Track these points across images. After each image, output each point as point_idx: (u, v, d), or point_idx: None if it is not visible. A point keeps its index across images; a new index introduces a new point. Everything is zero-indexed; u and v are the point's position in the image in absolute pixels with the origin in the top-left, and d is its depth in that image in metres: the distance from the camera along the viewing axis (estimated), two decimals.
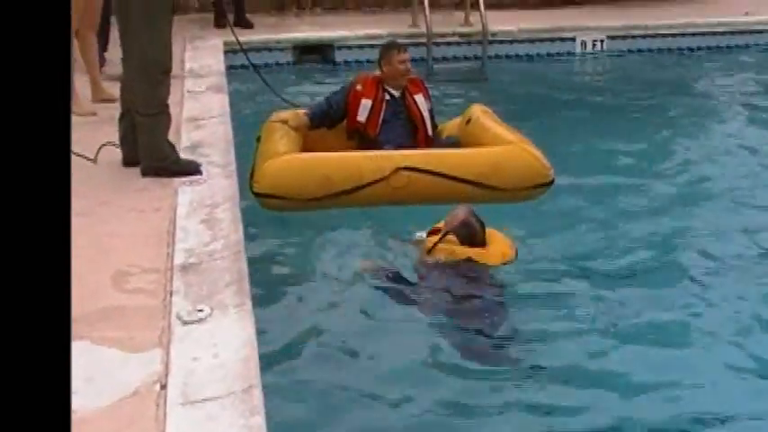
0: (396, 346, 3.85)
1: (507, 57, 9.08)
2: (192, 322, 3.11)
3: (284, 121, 5.48)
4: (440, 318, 4.02)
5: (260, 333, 3.14)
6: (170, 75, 4.61)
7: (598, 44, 9.27)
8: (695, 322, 3.98)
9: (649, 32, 9.39)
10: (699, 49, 9.39)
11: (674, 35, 9.41)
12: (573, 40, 9.23)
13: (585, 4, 10.48)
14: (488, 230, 4.45)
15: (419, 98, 5.58)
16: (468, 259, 4.25)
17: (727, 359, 3.69)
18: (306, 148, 5.32)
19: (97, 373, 2.84)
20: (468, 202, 4.59)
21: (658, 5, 10.45)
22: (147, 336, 3.06)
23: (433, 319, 4.01)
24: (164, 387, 2.74)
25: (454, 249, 4.28)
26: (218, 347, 2.95)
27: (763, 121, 7.33)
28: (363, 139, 5.48)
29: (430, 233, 4.44)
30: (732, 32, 9.52)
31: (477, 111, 5.65)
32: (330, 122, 5.59)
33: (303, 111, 5.66)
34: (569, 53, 9.23)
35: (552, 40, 9.22)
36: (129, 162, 4.69)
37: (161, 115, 4.57)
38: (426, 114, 5.57)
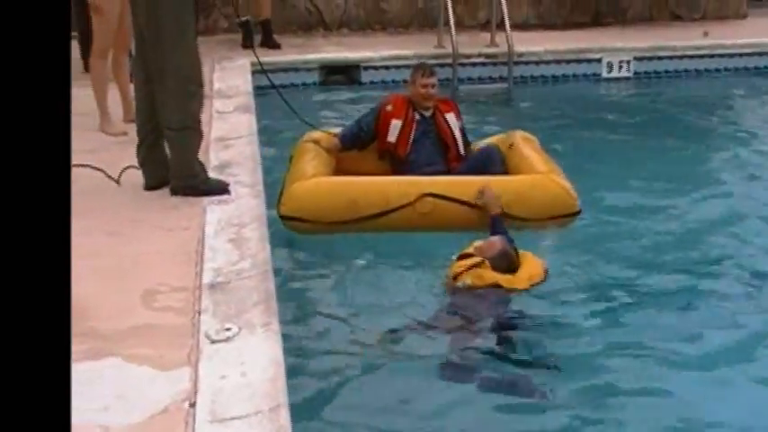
0: (421, 369, 3.84)
1: (533, 78, 9.06)
2: (220, 341, 3.13)
3: (316, 142, 5.52)
4: (464, 343, 4.00)
5: (286, 352, 3.13)
6: (203, 88, 4.66)
7: (624, 65, 9.23)
8: (726, 349, 3.94)
9: (677, 54, 9.34)
10: (726, 70, 9.33)
11: (701, 56, 9.35)
12: (599, 61, 9.20)
13: (612, 25, 10.47)
14: (520, 252, 4.47)
15: (450, 117, 5.58)
16: (496, 284, 4.25)
17: None
18: (337, 169, 5.37)
19: (128, 390, 2.87)
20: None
21: (686, 26, 10.44)
22: (176, 354, 3.08)
23: (458, 344, 3.99)
24: (192, 405, 2.76)
25: (482, 274, 4.28)
26: (245, 366, 2.96)
27: None
28: (394, 159, 5.50)
29: (459, 258, 4.44)
30: (760, 54, 9.44)
31: (519, 138, 5.63)
32: (361, 144, 5.61)
33: (334, 132, 5.69)
34: (595, 74, 9.19)
35: (578, 61, 9.19)
36: (150, 187, 4.72)
37: (193, 131, 4.59)
38: (457, 133, 5.57)
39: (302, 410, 3.22)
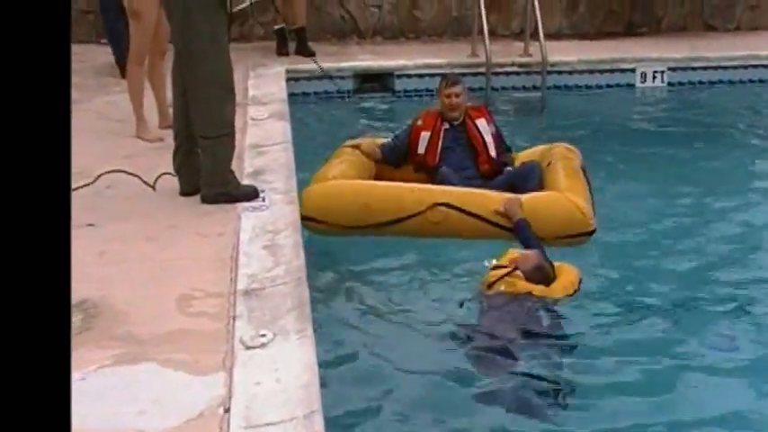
0: (456, 377, 3.83)
1: (566, 87, 9.02)
2: (255, 347, 3.14)
3: (356, 146, 5.65)
4: (494, 354, 3.99)
5: (320, 359, 3.15)
6: (234, 94, 4.69)
7: (659, 76, 9.17)
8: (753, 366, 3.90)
9: (711, 64, 9.27)
10: (762, 81, 9.24)
11: (736, 67, 9.28)
12: (633, 71, 9.15)
13: (646, 35, 10.42)
14: (556, 264, 4.46)
15: (481, 122, 5.63)
16: (529, 293, 4.23)
17: None
18: (377, 178, 5.45)
19: (163, 395, 2.88)
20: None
21: (721, 37, 10.36)
22: (211, 359, 3.09)
23: (489, 354, 3.99)
24: (227, 411, 2.77)
25: (515, 283, 4.27)
26: (279, 372, 2.98)
27: None
28: (426, 169, 5.55)
29: (494, 269, 4.44)
30: None
31: (558, 153, 5.59)
32: (398, 159, 5.72)
33: (380, 141, 5.85)
34: (629, 84, 9.13)
35: (612, 71, 9.15)
36: (185, 193, 4.76)
37: (226, 138, 4.62)
38: (489, 138, 5.59)
39: (336, 417, 3.24)
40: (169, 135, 5.05)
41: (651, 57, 9.31)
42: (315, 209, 4.99)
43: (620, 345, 4.05)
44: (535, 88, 8.74)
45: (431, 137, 5.56)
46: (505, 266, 4.37)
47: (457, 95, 5.60)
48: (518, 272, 4.31)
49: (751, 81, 9.28)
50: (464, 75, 8.62)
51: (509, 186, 5.31)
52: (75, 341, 3.13)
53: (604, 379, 3.80)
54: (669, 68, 9.19)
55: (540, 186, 5.30)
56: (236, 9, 5.01)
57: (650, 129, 8.02)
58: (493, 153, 5.57)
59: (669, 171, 6.63)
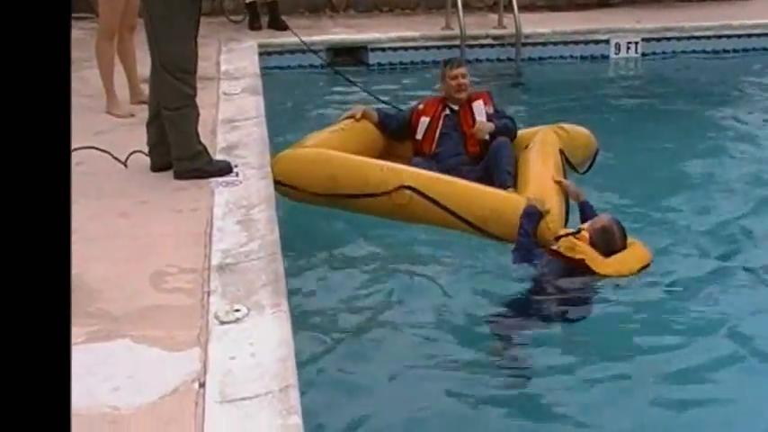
0: (434, 350, 3.86)
1: (541, 59, 9.01)
2: (230, 322, 3.15)
3: (352, 116, 5.57)
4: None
5: (295, 333, 3.16)
6: (192, 74, 4.63)
7: (633, 47, 9.18)
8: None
9: (685, 35, 9.29)
10: (735, 51, 9.28)
11: (709, 37, 9.30)
12: (607, 42, 9.15)
13: (620, 5, 10.42)
14: (630, 241, 4.38)
15: (477, 105, 5.44)
16: (581, 261, 4.19)
17: None
18: (379, 154, 5.36)
19: (138, 372, 2.89)
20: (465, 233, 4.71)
21: (695, 7, 10.38)
22: (185, 335, 3.10)
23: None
24: (202, 385, 2.79)
25: (576, 245, 4.22)
26: (254, 347, 2.99)
27: None
28: (423, 155, 5.40)
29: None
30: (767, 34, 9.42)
31: (540, 137, 5.38)
32: (397, 127, 5.58)
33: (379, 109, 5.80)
34: (603, 56, 9.14)
35: (586, 42, 9.15)
36: (157, 168, 4.74)
37: (186, 108, 4.61)
38: (482, 119, 5.37)
39: (312, 391, 3.25)
40: (141, 110, 5.02)
41: (625, 28, 9.32)
42: (283, 173, 4.94)
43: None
44: (509, 60, 8.76)
45: (430, 123, 5.42)
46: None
47: (463, 76, 5.44)
48: (585, 232, 4.29)
49: (725, 51, 9.30)
50: (438, 48, 8.77)
51: (486, 168, 5.20)
52: None
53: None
54: (643, 39, 9.20)
55: (515, 167, 5.15)
56: None
57: (625, 100, 8.05)
58: (480, 136, 5.32)
59: (644, 142, 6.66)
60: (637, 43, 9.19)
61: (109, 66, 5.89)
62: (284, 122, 6.48)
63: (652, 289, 4.29)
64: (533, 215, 4.51)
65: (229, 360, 2.92)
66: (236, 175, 4.67)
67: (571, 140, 5.46)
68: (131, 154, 4.83)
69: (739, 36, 9.35)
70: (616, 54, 9.18)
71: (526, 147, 5.31)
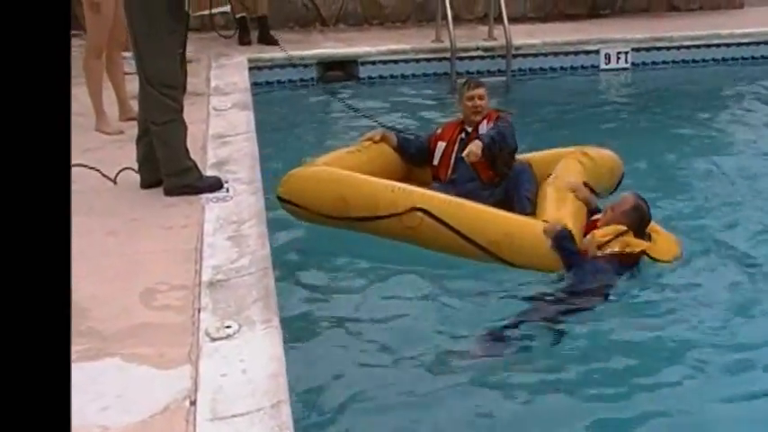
0: (424, 365, 3.83)
1: (531, 70, 9.06)
2: (221, 338, 3.13)
3: (370, 139, 5.36)
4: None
5: (287, 349, 3.14)
6: (178, 89, 4.62)
7: (623, 57, 9.23)
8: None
9: (674, 44, 9.35)
10: (725, 60, 9.34)
11: (698, 46, 9.36)
12: (597, 52, 9.20)
13: (609, 16, 10.48)
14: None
15: (482, 128, 5.16)
16: (643, 252, 4.27)
17: None
18: (398, 179, 5.09)
19: (128, 390, 2.87)
20: (478, 261, 4.53)
21: (684, 17, 10.45)
22: (176, 352, 3.08)
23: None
24: (193, 403, 2.76)
25: (629, 242, 4.29)
26: (246, 363, 2.97)
27: None
28: (439, 182, 5.19)
29: (589, 226, 4.45)
30: (756, 43, 9.47)
31: (563, 168, 5.04)
32: (415, 151, 5.35)
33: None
34: (594, 66, 9.18)
35: (576, 53, 9.20)
36: (147, 185, 4.72)
37: (174, 123, 4.60)
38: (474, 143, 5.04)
39: (304, 407, 3.25)
40: (130, 127, 5.01)
41: (615, 38, 9.37)
42: (292, 192, 4.86)
43: None
44: (500, 72, 8.77)
45: (446, 147, 5.20)
46: (598, 219, 4.42)
47: (480, 98, 5.20)
48: (628, 231, 4.33)
49: (714, 60, 9.37)
50: (428, 60, 8.79)
51: (506, 194, 4.98)
52: None
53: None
54: (633, 49, 9.25)
55: (536, 193, 4.95)
56: (196, 14, 4.94)
57: (615, 110, 8.08)
58: (472, 159, 5.00)
59: (634, 152, 6.61)
60: (627, 53, 9.24)
61: (97, 83, 5.88)
62: (275, 137, 6.47)
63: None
64: (565, 235, 4.38)
65: (220, 377, 2.90)
66: (227, 190, 4.65)
67: (596, 168, 5.19)
68: (121, 171, 4.82)
69: (728, 45, 9.42)
70: (606, 64, 9.22)
71: (549, 176, 4.99)
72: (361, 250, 4.83)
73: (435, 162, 5.24)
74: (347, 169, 4.95)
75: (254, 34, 8.89)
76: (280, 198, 4.92)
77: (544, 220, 4.53)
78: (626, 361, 3.80)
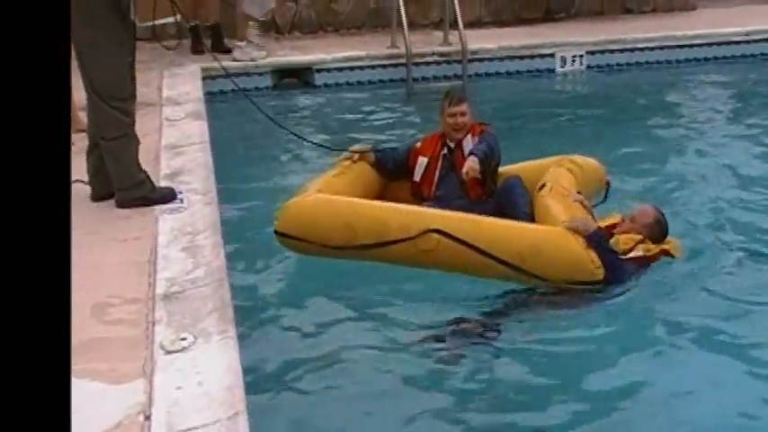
0: (382, 370, 3.87)
1: (487, 75, 9.11)
2: (176, 351, 3.12)
3: (349, 157, 5.14)
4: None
5: (244, 359, 3.12)
6: (127, 101, 4.54)
7: (578, 60, 9.32)
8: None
9: (627, 47, 9.47)
10: (678, 61, 9.48)
11: (652, 48, 9.49)
12: (552, 56, 9.28)
13: (564, 20, 10.57)
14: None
15: (466, 143, 5.00)
16: (663, 251, 4.40)
17: None
18: (377, 197, 4.97)
19: (80, 407, 2.78)
20: (502, 280, 4.34)
21: (639, 19, 10.56)
22: (129, 366, 3.06)
23: None
24: (148, 418, 2.75)
25: (649, 247, 4.39)
26: (202, 375, 2.96)
27: (740, 131, 7.46)
28: (422, 198, 5.06)
29: (608, 228, 4.47)
30: (709, 44, 9.62)
31: (554, 176, 4.91)
32: (394, 166, 5.17)
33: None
34: (549, 69, 9.26)
35: (532, 56, 9.26)
36: (98, 197, 4.66)
37: (125, 137, 4.53)
38: (469, 160, 4.83)
39: (262, 417, 3.20)
40: (79, 139, 4.94)
41: (569, 41, 9.45)
42: (292, 226, 4.60)
43: None
44: (456, 77, 8.79)
45: (428, 164, 5.03)
46: (616, 224, 4.49)
47: (462, 114, 5.00)
48: (646, 239, 4.41)
49: (668, 61, 9.50)
50: (384, 67, 8.79)
51: (498, 209, 4.79)
52: None
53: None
54: (587, 52, 9.35)
55: (531, 207, 4.81)
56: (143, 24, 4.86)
57: (571, 112, 8.13)
58: (471, 177, 4.81)
59: (592, 153, 6.68)
60: (581, 56, 9.34)
61: None
62: (229, 147, 6.43)
63: None
64: (601, 234, 4.31)
65: (176, 390, 2.88)
66: (181, 201, 4.63)
67: (585, 176, 5.09)
68: (72, 183, 4.75)
69: (682, 47, 9.55)
70: (562, 67, 9.32)
71: (541, 187, 4.85)
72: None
73: (417, 178, 5.06)
74: (338, 194, 4.72)
75: (208, 43, 8.83)
76: (277, 233, 4.66)
77: (562, 221, 4.36)
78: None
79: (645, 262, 4.35)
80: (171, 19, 4.69)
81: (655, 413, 3.52)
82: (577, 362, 3.91)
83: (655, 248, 4.40)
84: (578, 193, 4.81)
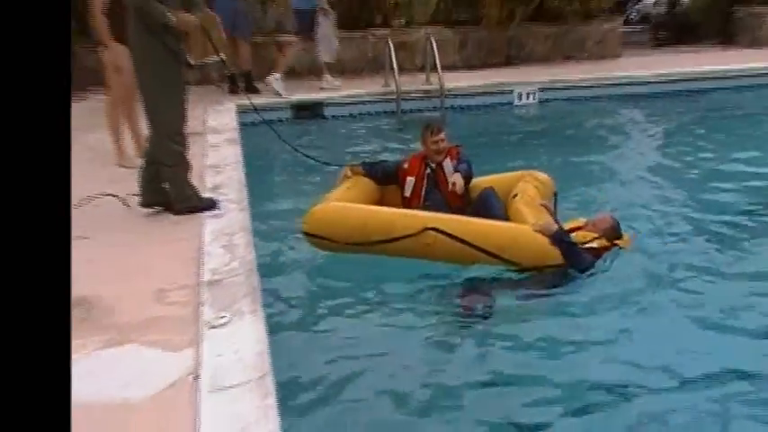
0: (391, 338, 3.76)
1: (461, 107, 9.09)
2: (217, 326, 3.13)
3: (347, 175, 5.08)
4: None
5: (270, 332, 3.12)
6: (183, 135, 4.54)
7: (531, 95, 9.33)
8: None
9: (569, 85, 9.50)
10: (608, 97, 9.48)
11: (587, 87, 9.51)
12: (511, 92, 9.29)
13: (520, 64, 10.61)
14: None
15: (446, 163, 4.94)
16: (615, 244, 4.37)
17: None
18: (378, 203, 4.91)
19: (144, 370, 2.86)
20: (485, 265, 4.32)
21: (577, 64, 10.61)
22: (182, 338, 3.08)
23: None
24: (196, 378, 2.77)
25: (604, 243, 4.35)
26: (237, 345, 2.97)
27: (655, 149, 7.49)
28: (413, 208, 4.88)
29: (573, 228, 4.43)
30: (630, 84, 9.64)
31: (528, 185, 4.91)
32: (383, 175, 5.08)
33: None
34: (509, 103, 9.27)
35: (495, 93, 9.26)
36: (146, 203, 4.63)
37: (179, 166, 4.56)
38: (451, 178, 4.87)
39: (285, 378, 3.20)
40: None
41: (525, 81, 9.46)
42: (318, 227, 4.53)
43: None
44: (435, 109, 8.80)
45: (415, 183, 4.94)
46: (581, 227, 4.44)
47: (442, 141, 4.93)
48: (598, 233, 4.36)
49: (600, 97, 9.48)
50: (379, 102, 8.80)
51: (476, 215, 4.65)
52: (76, 331, 3.08)
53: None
54: (539, 89, 9.34)
55: (505, 210, 4.78)
56: (196, 63, 4.87)
57: (526, 136, 8.13)
58: (458, 190, 4.81)
59: (542, 167, 6.67)
60: (534, 92, 9.34)
61: (117, 127, 5.85)
62: (258, 165, 6.45)
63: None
64: (562, 232, 4.31)
65: (217, 356, 2.90)
66: (220, 209, 4.64)
67: (543, 188, 5.01)
68: (129, 196, 4.75)
69: (610, 85, 9.56)
70: (519, 101, 9.31)
71: (514, 196, 4.84)
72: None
73: (407, 194, 4.96)
74: (350, 202, 4.70)
75: (242, 86, 8.88)
76: (306, 233, 4.59)
77: (532, 224, 4.39)
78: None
79: (601, 253, 4.32)
80: (216, 58, 4.70)
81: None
82: (558, 334, 3.76)
83: (608, 243, 4.36)
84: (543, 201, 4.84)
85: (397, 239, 4.41)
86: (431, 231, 4.37)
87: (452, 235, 4.35)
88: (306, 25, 8.96)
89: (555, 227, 4.35)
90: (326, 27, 8.91)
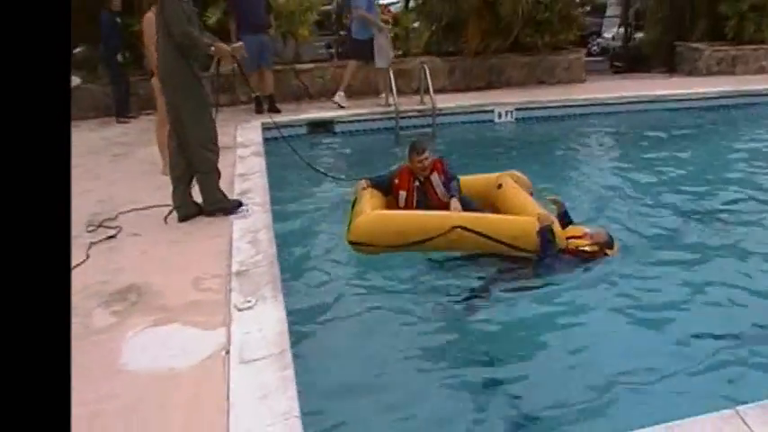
0: (400, 324, 3.68)
1: (450, 124, 9.06)
2: (244, 309, 3.18)
3: (363, 187, 4.97)
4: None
5: (289, 314, 3.14)
6: (214, 144, 4.47)
7: (509, 114, 9.31)
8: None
9: (542, 105, 9.48)
10: (574, 116, 9.46)
11: (558, 107, 9.50)
12: (492, 111, 9.27)
13: (500, 88, 10.64)
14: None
15: (434, 177, 4.87)
16: (603, 252, 4.30)
17: None
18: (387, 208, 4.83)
19: (186, 345, 2.93)
20: (500, 253, 4.38)
21: (548, 88, 10.63)
22: (215, 319, 3.13)
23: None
24: (227, 352, 2.83)
25: (593, 247, 4.30)
26: (261, 325, 3.02)
27: (617, 160, 7.46)
28: None
29: (572, 236, 4.39)
30: (593, 104, 9.61)
31: (509, 179, 5.04)
32: (383, 189, 4.97)
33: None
34: (490, 120, 9.25)
35: (478, 112, 9.25)
36: (183, 218, 4.56)
37: (212, 173, 4.54)
38: (440, 190, 4.85)
39: (302, 353, 3.21)
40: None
41: (503, 101, 9.42)
42: (362, 236, 4.43)
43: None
44: (428, 126, 8.78)
45: (407, 196, 4.85)
46: (579, 237, 4.36)
47: (426, 159, 4.84)
48: (595, 245, 4.30)
49: (569, 116, 9.45)
50: (381, 119, 8.81)
51: None
52: (130, 312, 3.18)
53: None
54: (516, 109, 9.31)
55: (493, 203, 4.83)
56: (223, 70, 4.85)
57: (505, 149, 8.12)
58: (445, 200, 4.78)
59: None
60: (512, 111, 9.30)
61: (163, 143, 5.89)
62: (278, 174, 6.49)
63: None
64: (550, 229, 4.31)
65: (244, 334, 2.95)
66: (247, 210, 4.66)
67: (523, 185, 5.10)
68: (171, 210, 4.68)
69: (578, 106, 9.54)
70: (498, 119, 9.27)
71: (499, 186, 4.92)
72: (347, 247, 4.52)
73: (401, 205, 4.87)
74: (377, 210, 4.62)
75: (265, 106, 8.94)
76: (352, 242, 4.47)
77: (538, 215, 4.41)
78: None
79: (591, 257, 4.28)
80: (233, 66, 4.69)
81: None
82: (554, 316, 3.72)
83: (599, 251, 4.31)
84: (530, 193, 4.86)
85: (431, 239, 4.38)
86: (457, 229, 4.37)
87: (475, 230, 4.36)
88: (366, 52, 8.98)
89: (549, 220, 4.34)
90: (382, 40, 8.95)
